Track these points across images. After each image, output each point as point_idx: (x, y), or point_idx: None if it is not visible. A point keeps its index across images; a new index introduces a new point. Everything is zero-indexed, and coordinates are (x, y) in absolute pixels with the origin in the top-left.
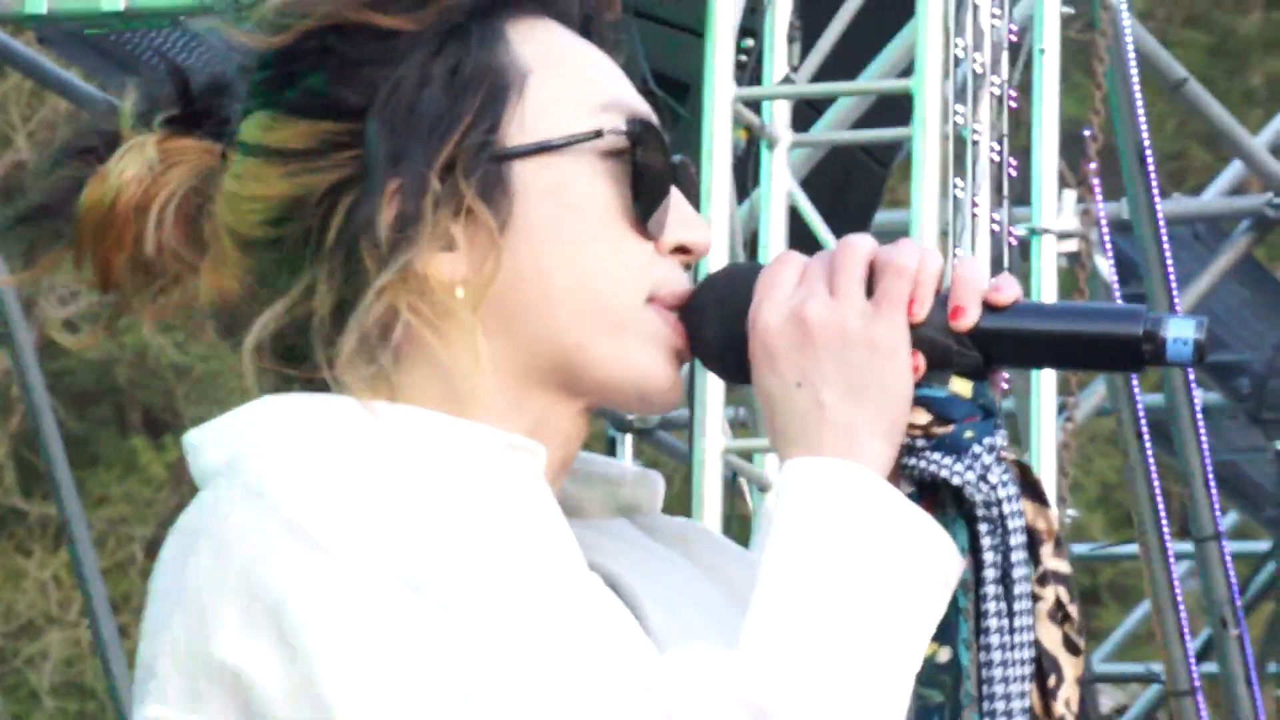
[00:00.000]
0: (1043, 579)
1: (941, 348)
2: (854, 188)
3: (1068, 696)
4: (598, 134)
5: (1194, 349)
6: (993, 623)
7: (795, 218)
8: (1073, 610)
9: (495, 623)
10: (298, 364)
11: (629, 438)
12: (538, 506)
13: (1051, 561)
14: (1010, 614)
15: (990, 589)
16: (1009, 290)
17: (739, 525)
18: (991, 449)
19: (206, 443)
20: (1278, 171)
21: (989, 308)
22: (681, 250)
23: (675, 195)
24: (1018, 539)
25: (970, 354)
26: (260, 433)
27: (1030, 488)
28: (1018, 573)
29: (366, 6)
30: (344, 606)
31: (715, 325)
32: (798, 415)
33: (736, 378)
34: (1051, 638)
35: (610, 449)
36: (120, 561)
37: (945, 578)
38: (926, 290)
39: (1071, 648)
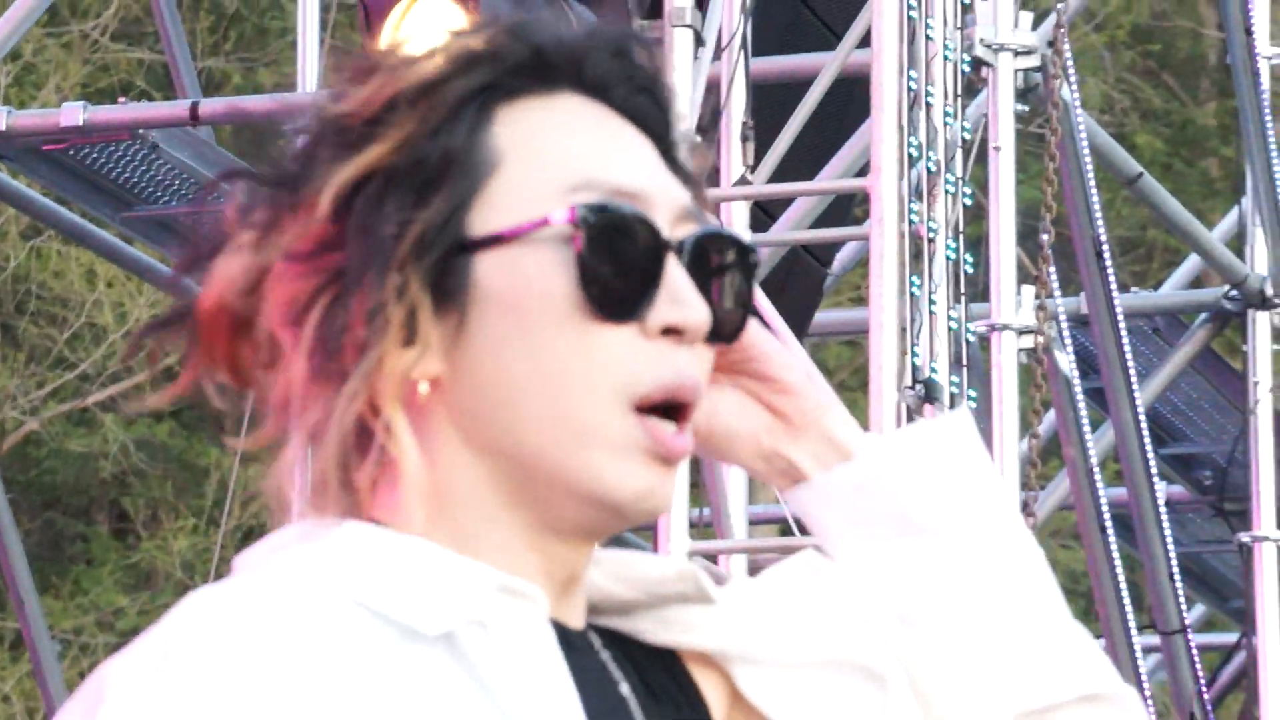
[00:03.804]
0: None
1: None
2: (795, 286)
3: None
4: (544, 222)
5: None
6: None
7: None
8: None
9: None
10: None
11: None
12: (522, 665)
13: None
14: None
15: None
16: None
17: None
18: None
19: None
20: (1234, 264)
21: None
22: (671, 332)
23: (672, 272)
24: None
25: None
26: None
27: None
28: None
29: (342, 108)
30: None
31: None
32: None
33: None
34: None
35: None
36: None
37: None
38: None
39: None
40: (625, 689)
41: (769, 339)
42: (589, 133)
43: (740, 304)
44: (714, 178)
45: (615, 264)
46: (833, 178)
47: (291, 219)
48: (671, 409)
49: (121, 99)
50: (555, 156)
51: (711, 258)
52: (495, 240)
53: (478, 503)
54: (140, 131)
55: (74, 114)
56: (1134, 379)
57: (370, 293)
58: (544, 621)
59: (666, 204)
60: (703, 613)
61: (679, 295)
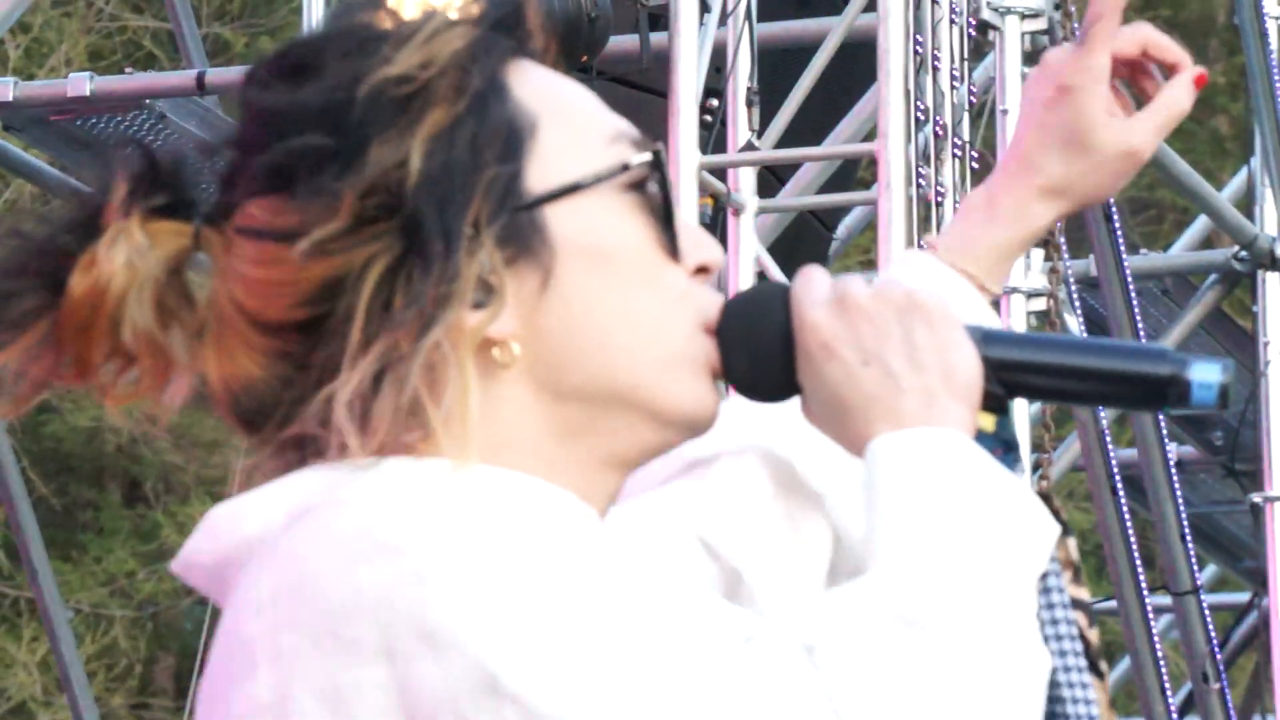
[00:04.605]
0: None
1: None
2: (803, 251)
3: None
4: (625, 167)
5: (1219, 393)
6: (1052, 646)
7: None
8: (1091, 636)
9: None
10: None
11: None
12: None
13: (1070, 589)
14: (1059, 637)
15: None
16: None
17: None
18: None
19: (248, 511)
20: (1244, 225)
21: (1011, 339)
22: (702, 270)
23: (679, 217)
24: (1052, 567)
25: (993, 387)
26: (363, 494)
27: (1052, 517)
28: (1055, 598)
29: (379, 75)
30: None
31: (744, 345)
32: (870, 393)
33: (770, 396)
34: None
35: None
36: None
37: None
38: None
39: (1094, 670)
40: None
41: None
42: (578, 89)
43: None
44: (720, 143)
45: (668, 208)
46: (840, 142)
47: (329, 195)
48: None
49: (128, 69)
50: (579, 111)
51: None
52: (569, 190)
53: (535, 448)
54: (147, 101)
55: (80, 84)
56: (1144, 340)
57: (444, 254)
58: None
59: None
60: None
61: (699, 237)
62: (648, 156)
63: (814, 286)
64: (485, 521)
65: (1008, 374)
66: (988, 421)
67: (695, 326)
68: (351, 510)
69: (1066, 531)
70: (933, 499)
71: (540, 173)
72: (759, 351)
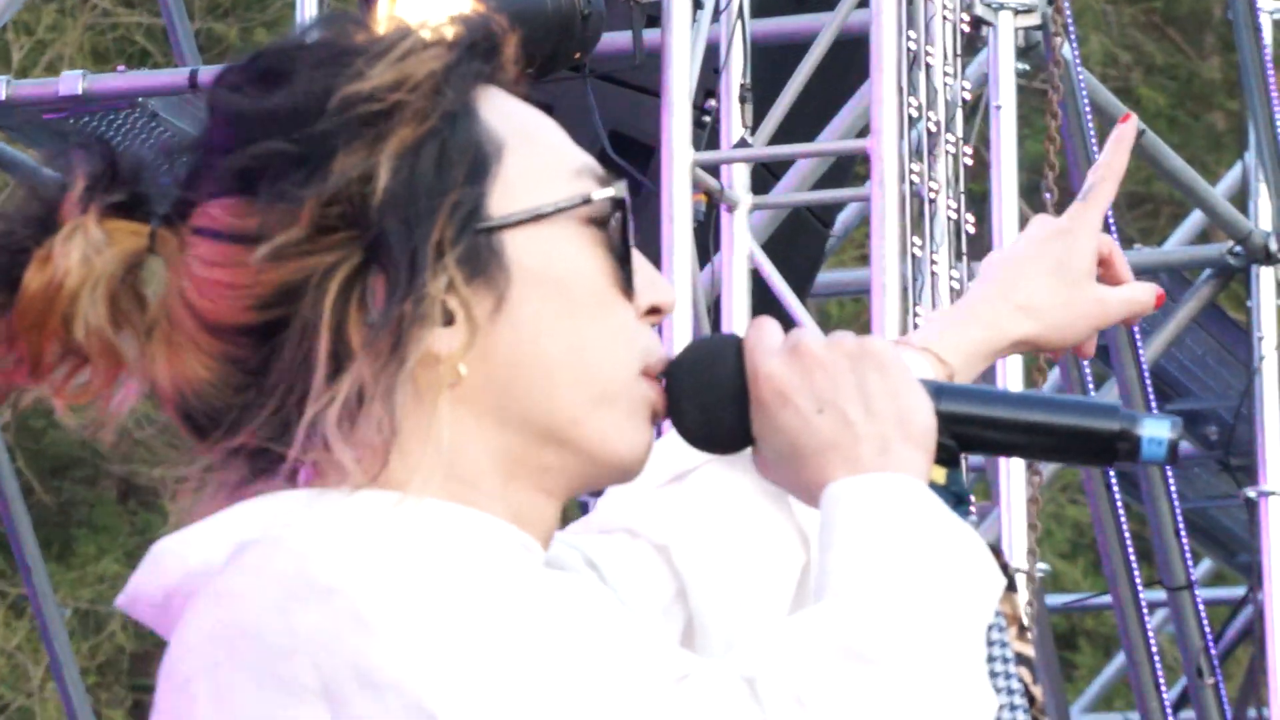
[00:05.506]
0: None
1: None
2: (799, 247)
3: None
4: (587, 200)
5: (1168, 449)
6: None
7: (757, 280)
8: (1036, 692)
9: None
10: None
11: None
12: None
13: (1016, 644)
14: (1000, 689)
15: None
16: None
17: None
18: None
19: (191, 545)
20: (1238, 220)
21: (962, 393)
22: (653, 311)
23: (637, 255)
24: (996, 620)
25: (945, 440)
26: (297, 529)
27: (1000, 570)
28: (996, 652)
29: (350, 89)
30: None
31: (696, 395)
32: (827, 441)
33: (723, 447)
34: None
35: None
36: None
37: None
38: None
39: None
40: None
41: None
42: (546, 121)
43: None
44: (714, 140)
45: (625, 245)
46: (834, 139)
47: (292, 201)
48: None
49: (119, 68)
50: (545, 142)
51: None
52: (529, 219)
53: (478, 474)
54: (140, 99)
55: (73, 83)
56: (1138, 335)
57: (409, 273)
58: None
59: None
60: None
61: (653, 278)
62: (610, 192)
63: (766, 336)
64: (423, 561)
65: (960, 427)
66: (939, 474)
67: (639, 368)
68: (289, 549)
69: (1012, 586)
70: (886, 540)
71: (503, 198)
72: (712, 403)
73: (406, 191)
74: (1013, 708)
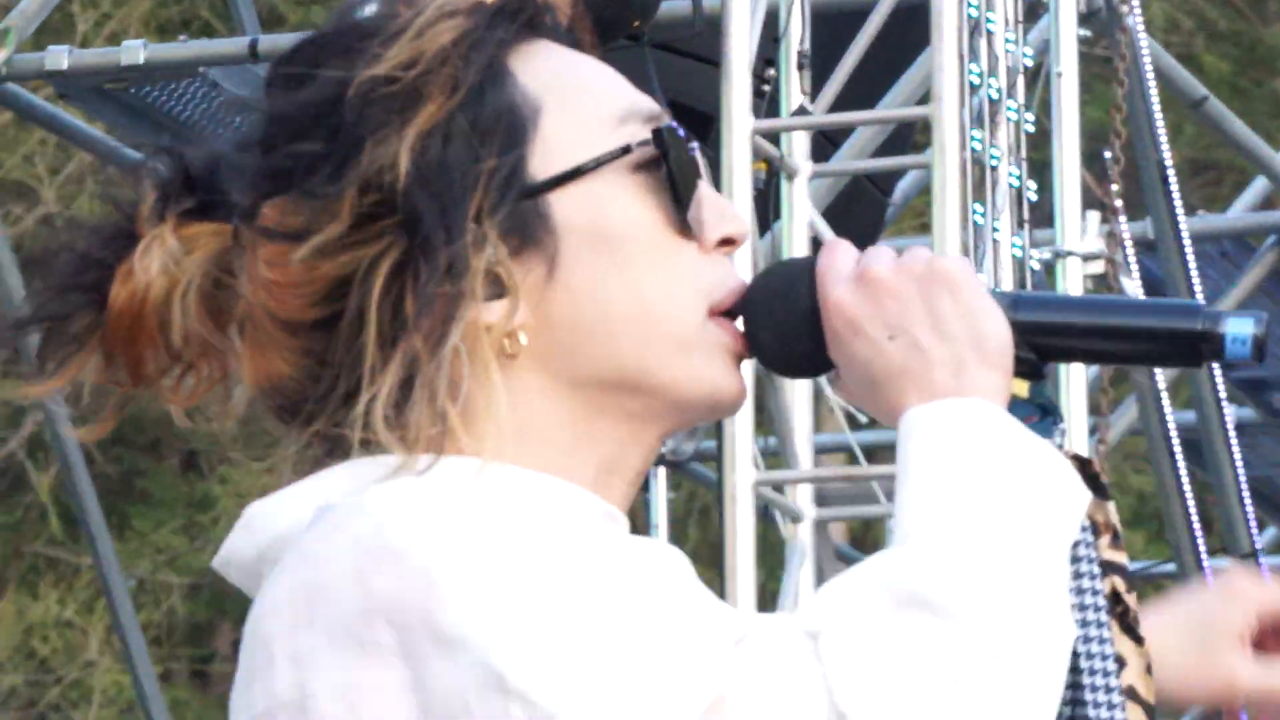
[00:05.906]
0: (1100, 570)
1: None
2: (858, 215)
3: (1130, 684)
4: (626, 149)
5: (1253, 346)
6: (1075, 616)
7: (816, 248)
8: (1130, 600)
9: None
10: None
11: (662, 470)
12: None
13: (1108, 553)
14: (1083, 607)
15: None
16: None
17: (772, 557)
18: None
19: (281, 508)
20: None
21: (1040, 302)
22: (725, 243)
23: (703, 188)
24: (1083, 536)
25: (1024, 353)
26: (387, 495)
27: (1089, 481)
28: (1084, 568)
29: (366, 75)
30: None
31: (771, 325)
32: (899, 367)
33: (804, 373)
34: (1111, 628)
35: (644, 482)
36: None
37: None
38: None
39: (1133, 636)
40: None
41: None
42: (593, 68)
43: None
44: (774, 108)
45: (685, 184)
46: (893, 106)
47: (330, 196)
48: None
49: (181, 37)
50: (588, 94)
51: (708, 168)
52: (571, 176)
53: (556, 436)
54: (201, 69)
55: (135, 53)
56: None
57: (448, 250)
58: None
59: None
60: None
61: (723, 209)
62: (648, 135)
63: (837, 263)
64: (494, 523)
65: (1039, 338)
66: (1021, 388)
67: (705, 310)
68: (366, 513)
69: (1106, 495)
70: (958, 475)
71: (543, 160)
72: (788, 333)
73: (436, 168)
74: (1089, 624)
